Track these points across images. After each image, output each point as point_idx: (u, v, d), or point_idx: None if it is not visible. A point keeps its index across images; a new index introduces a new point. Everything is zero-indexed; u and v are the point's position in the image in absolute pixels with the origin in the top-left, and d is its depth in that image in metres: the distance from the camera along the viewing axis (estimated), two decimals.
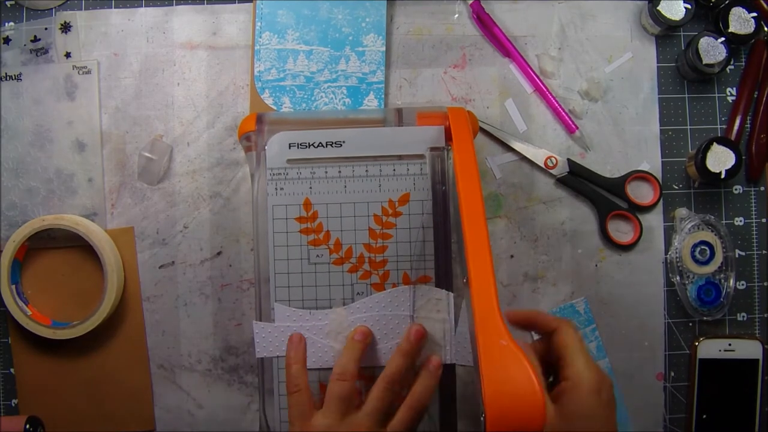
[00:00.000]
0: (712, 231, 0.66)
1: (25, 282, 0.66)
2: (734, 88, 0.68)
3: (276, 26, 0.67)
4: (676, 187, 0.68)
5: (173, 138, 0.67)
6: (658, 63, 0.68)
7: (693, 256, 0.65)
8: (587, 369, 0.48)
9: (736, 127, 0.67)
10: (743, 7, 0.65)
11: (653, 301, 0.67)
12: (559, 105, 0.67)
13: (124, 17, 0.68)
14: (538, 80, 0.67)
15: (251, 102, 0.67)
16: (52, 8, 0.68)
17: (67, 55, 0.67)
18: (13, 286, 0.64)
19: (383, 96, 0.67)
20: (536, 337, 0.55)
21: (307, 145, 0.59)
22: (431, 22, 0.68)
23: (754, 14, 0.65)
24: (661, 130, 0.68)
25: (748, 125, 0.68)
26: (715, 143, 0.63)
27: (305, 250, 0.59)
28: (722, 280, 0.66)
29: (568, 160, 0.67)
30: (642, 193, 0.67)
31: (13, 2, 0.68)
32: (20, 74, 0.67)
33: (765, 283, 0.67)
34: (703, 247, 0.65)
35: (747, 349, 0.65)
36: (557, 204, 0.67)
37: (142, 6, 0.68)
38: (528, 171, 0.67)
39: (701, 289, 0.65)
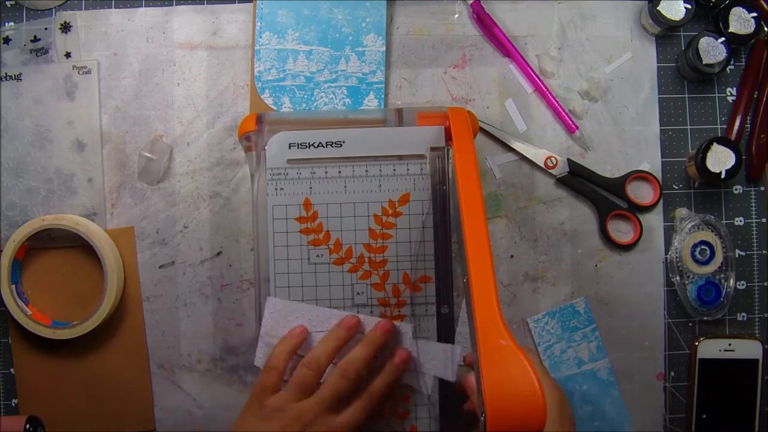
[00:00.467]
0: (712, 231, 0.66)
1: (25, 282, 0.66)
2: (734, 88, 0.68)
3: (276, 26, 0.67)
4: (676, 187, 0.68)
5: (173, 138, 0.67)
6: (658, 63, 0.68)
7: (693, 256, 0.65)
8: (549, 388, 0.46)
9: (736, 127, 0.67)
10: (743, 7, 0.65)
11: (653, 301, 0.67)
12: (559, 105, 0.67)
13: (124, 17, 0.68)
14: (538, 80, 0.67)
15: (251, 102, 0.67)
16: (52, 8, 0.68)
17: (67, 55, 0.67)
18: (13, 286, 0.64)
19: (383, 96, 0.67)
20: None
21: (307, 145, 0.59)
22: (431, 22, 0.68)
23: (754, 14, 0.65)
24: (661, 130, 0.68)
25: (748, 125, 0.68)
26: (715, 143, 0.63)
27: (305, 250, 0.59)
28: (722, 280, 0.66)
29: (568, 160, 0.67)
30: (642, 193, 0.67)
31: (13, 2, 0.68)
32: (20, 74, 0.67)
33: (765, 283, 0.67)
34: (703, 247, 0.65)
35: (747, 349, 0.65)
36: (557, 204, 0.67)
37: (142, 6, 0.68)
38: (528, 171, 0.67)
39: (701, 289, 0.65)
